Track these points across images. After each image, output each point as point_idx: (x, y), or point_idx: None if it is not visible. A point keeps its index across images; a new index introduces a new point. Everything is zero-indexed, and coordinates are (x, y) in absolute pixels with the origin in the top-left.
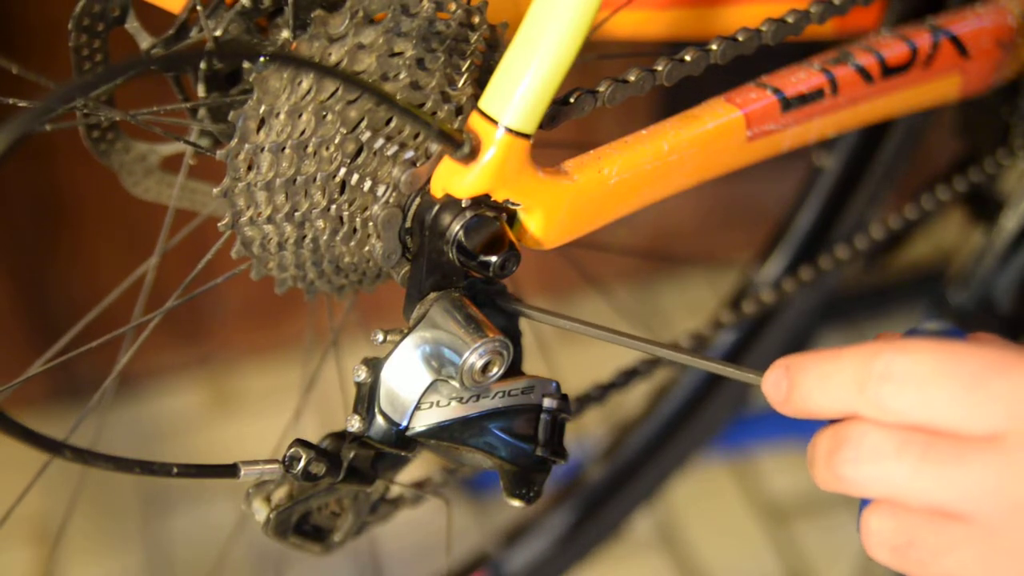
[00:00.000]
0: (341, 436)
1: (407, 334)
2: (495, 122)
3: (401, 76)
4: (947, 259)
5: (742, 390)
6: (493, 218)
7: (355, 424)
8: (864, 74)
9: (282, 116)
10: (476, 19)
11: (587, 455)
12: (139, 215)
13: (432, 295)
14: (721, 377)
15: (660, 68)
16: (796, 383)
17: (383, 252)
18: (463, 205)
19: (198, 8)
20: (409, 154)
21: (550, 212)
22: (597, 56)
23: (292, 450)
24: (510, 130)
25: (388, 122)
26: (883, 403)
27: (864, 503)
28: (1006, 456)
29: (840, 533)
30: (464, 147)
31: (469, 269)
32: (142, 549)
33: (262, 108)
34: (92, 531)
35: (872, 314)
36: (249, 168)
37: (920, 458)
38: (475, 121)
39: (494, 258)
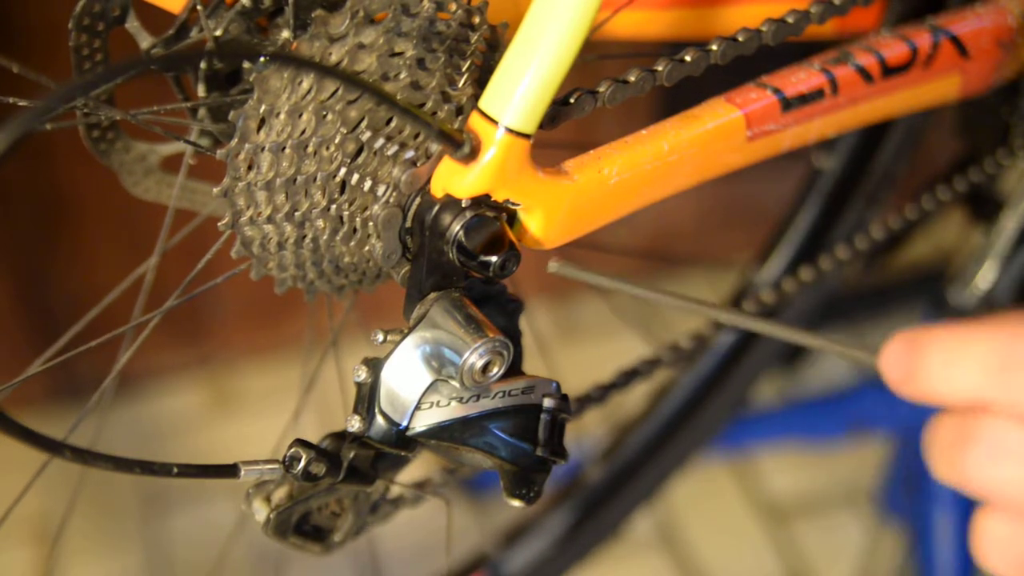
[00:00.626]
0: (341, 436)
1: (407, 334)
2: (495, 122)
3: (401, 76)
4: (947, 259)
5: (742, 390)
6: (493, 218)
7: (355, 424)
8: (864, 74)
9: (282, 116)
10: (476, 19)
11: (587, 455)
12: (139, 215)
13: (432, 295)
14: (721, 377)
15: (660, 68)
16: (921, 362)
17: (383, 252)
18: (463, 205)
19: (198, 8)
20: (409, 154)
21: (550, 212)
22: (597, 56)
23: (292, 450)
24: (510, 130)
25: (388, 122)
26: None
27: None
28: None
29: (840, 533)
30: (464, 147)
31: (469, 269)
32: (142, 549)
33: (262, 108)
34: (92, 531)
35: (872, 314)
36: (249, 168)
37: None
38: (475, 121)
39: (494, 258)
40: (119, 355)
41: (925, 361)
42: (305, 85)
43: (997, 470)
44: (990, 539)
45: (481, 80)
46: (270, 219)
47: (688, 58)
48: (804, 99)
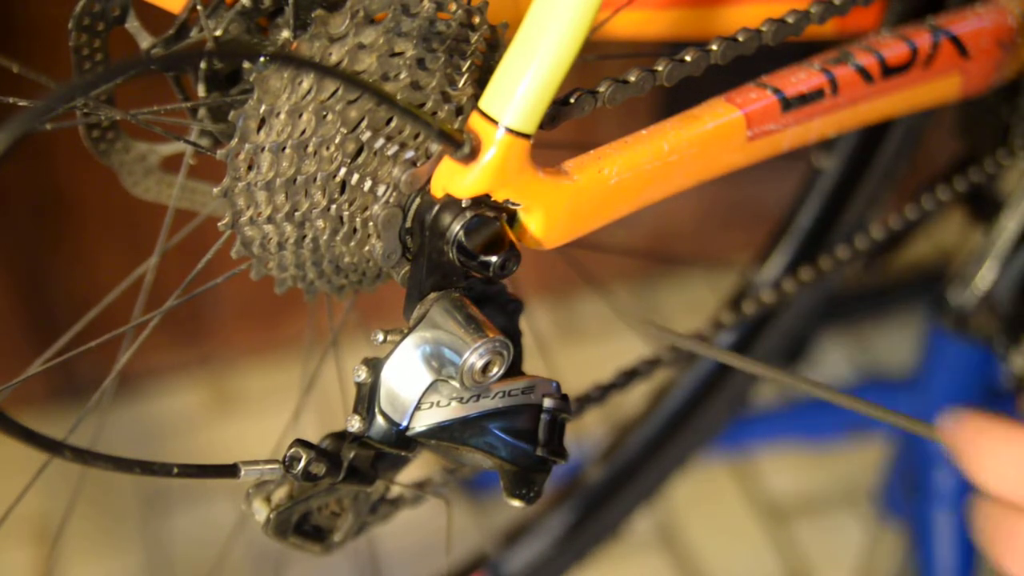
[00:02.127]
0: (341, 436)
1: (407, 334)
2: (495, 122)
3: (402, 76)
4: (947, 259)
5: (741, 390)
6: (493, 218)
7: (355, 424)
8: (864, 74)
9: (282, 116)
10: (476, 19)
11: (587, 455)
12: (139, 215)
13: (432, 295)
14: (721, 377)
15: (660, 68)
16: (972, 451)
17: (383, 252)
18: (463, 205)
19: (198, 8)
20: (409, 154)
21: (550, 212)
22: (597, 56)
23: (292, 450)
24: (510, 130)
25: (388, 122)
26: None
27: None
28: None
29: (840, 533)
30: (464, 147)
31: (469, 269)
32: (142, 549)
33: (262, 108)
34: (92, 531)
35: (872, 314)
36: (249, 168)
37: None
38: (475, 121)
39: (494, 258)
40: (119, 355)
41: (975, 451)
42: (305, 85)
43: None
44: None
45: (481, 80)
46: (270, 219)
47: (688, 58)
48: (804, 99)
